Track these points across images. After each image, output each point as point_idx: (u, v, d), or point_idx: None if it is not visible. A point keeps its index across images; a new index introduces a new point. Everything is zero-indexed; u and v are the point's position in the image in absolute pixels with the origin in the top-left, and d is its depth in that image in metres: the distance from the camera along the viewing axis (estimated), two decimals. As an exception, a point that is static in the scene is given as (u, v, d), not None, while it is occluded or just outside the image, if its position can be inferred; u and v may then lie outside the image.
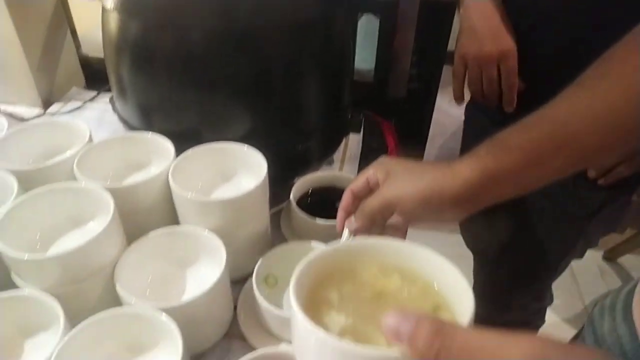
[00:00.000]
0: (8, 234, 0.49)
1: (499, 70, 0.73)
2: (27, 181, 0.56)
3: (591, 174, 0.73)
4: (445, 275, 0.36)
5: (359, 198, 0.51)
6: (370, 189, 0.51)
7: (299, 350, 0.34)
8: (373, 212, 0.49)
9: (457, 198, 0.45)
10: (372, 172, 0.50)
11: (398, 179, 0.48)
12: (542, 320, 1.09)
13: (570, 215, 0.80)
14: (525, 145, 0.43)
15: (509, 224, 0.91)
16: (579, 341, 0.62)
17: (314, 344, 0.31)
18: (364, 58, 1.02)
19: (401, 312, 0.27)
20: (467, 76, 0.76)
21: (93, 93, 0.98)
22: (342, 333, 0.34)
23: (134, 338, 0.49)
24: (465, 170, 0.44)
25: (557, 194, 0.78)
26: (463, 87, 0.79)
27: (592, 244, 0.89)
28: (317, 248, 0.60)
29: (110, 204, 0.52)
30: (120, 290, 0.50)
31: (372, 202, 0.49)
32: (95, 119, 0.91)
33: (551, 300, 1.03)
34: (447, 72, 0.90)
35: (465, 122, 1.00)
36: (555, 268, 0.91)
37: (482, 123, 0.90)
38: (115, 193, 0.53)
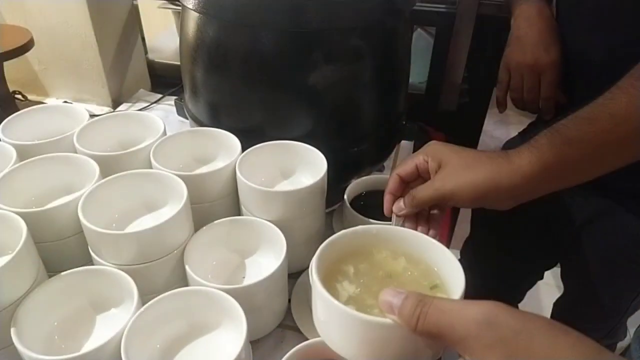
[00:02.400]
0: (89, 213, 0.53)
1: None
2: (106, 167, 0.61)
3: None
4: (444, 261, 0.41)
5: (405, 182, 0.52)
6: (418, 175, 0.51)
7: (314, 311, 0.40)
8: (425, 202, 0.49)
9: (515, 192, 0.45)
10: (423, 158, 0.50)
11: (453, 172, 0.47)
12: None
13: (638, 262, 0.78)
14: (588, 138, 0.43)
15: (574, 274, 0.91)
16: (626, 357, 0.60)
17: (322, 306, 0.38)
18: (416, 72, 1.04)
19: (394, 289, 0.33)
20: (510, 84, 0.78)
21: (159, 95, 1.04)
22: (349, 301, 0.40)
23: (200, 317, 0.51)
24: (525, 164, 0.44)
25: (625, 245, 0.75)
26: (506, 94, 0.80)
27: None
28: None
29: (183, 190, 0.55)
30: (189, 270, 0.53)
31: (425, 193, 0.49)
32: (161, 119, 0.96)
33: (624, 335, 1.00)
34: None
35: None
36: (626, 308, 0.88)
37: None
38: (187, 181, 0.57)
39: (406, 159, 0.52)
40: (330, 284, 0.41)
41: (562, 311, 0.99)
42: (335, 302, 0.36)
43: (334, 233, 0.72)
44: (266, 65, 0.62)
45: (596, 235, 0.78)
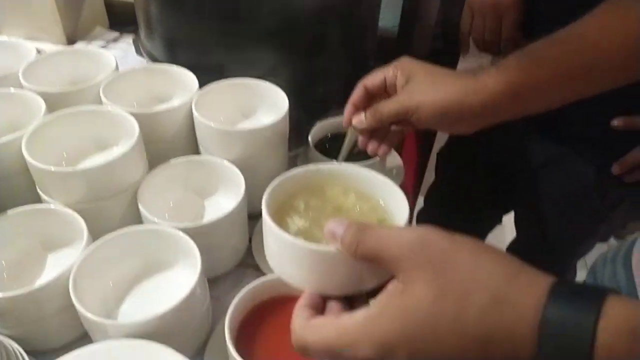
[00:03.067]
0: (36, 150, 0.51)
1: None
2: (55, 104, 0.57)
3: (615, 170, 0.72)
4: (391, 195, 0.42)
5: (370, 94, 0.50)
6: (385, 89, 0.49)
7: (265, 245, 0.41)
8: (388, 117, 0.48)
9: (478, 111, 0.44)
10: (392, 72, 0.48)
11: (419, 86, 0.46)
12: None
13: (591, 208, 0.80)
14: (556, 58, 0.42)
15: (526, 219, 0.93)
16: None
17: (272, 239, 0.39)
18: (389, 16, 1.00)
19: (339, 220, 0.33)
20: (472, 25, 0.77)
21: (116, 33, 0.99)
22: (298, 233, 0.40)
23: (154, 256, 0.51)
24: (491, 82, 0.43)
25: (577, 192, 0.78)
26: (469, 36, 0.79)
27: (615, 229, 0.88)
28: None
29: (135, 127, 0.53)
30: (142, 209, 0.51)
31: (389, 106, 0.47)
32: (118, 58, 0.92)
33: (574, 277, 1.04)
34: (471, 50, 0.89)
35: None
36: (575, 250, 0.91)
37: None
38: (140, 119, 0.54)
39: (375, 70, 0.50)
40: (281, 218, 0.41)
41: (514, 255, 1.02)
42: (284, 234, 0.36)
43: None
44: (224, -3, 0.59)
45: (549, 181, 0.80)
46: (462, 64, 1.08)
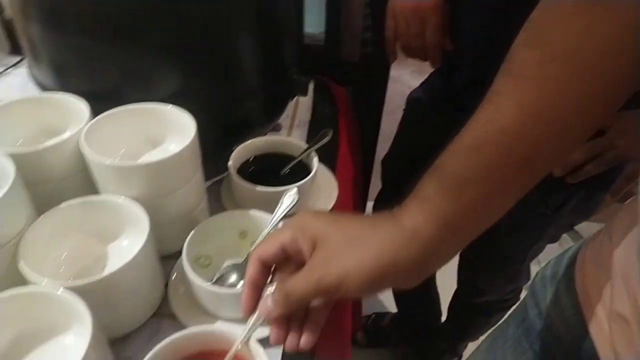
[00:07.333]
0: None
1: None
2: None
3: (556, 172, 0.70)
4: None
5: (268, 268, 0.41)
6: (286, 258, 0.40)
7: None
8: (302, 300, 0.37)
9: (417, 265, 0.35)
10: (290, 236, 0.38)
11: (334, 253, 0.36)
12: (518, 298, 1.09)
13: (536, 211, 0.78)
14: (483, 172, 0.34)
15: None
16: (522, 313, 0.58)
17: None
18: (314, 22, 0.96)
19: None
20: (396, 31, 0.75)
21: (17, 58, 0.89)
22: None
23: (41, 322, 0.43)
24: (420, 226, 0.34)
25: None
26: (395, 43, 0.77)
27: (564, 230, 0.87)
28: (257, 217, 0.55)
29: (10, 169, 0.45)
30: (23, 268, 0.44)
31: (302, 289, 0.37)
32: (19, 85, 0.83)
33: (527, 279, 1.03)
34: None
35: (407, 105, 0.99)
36: (526, 254, 0.89)
37: (423, 107, 0.89)
38: (19, 159, 0.47)
39: (269, 236, 0.42)
40: None
41: (467, 261, 1.00)
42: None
43: (222, 207, 0.66)
44: (110, 15, 0.51)
45: None
46: (393, 71, 1.05)
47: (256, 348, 0.41)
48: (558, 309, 0.50)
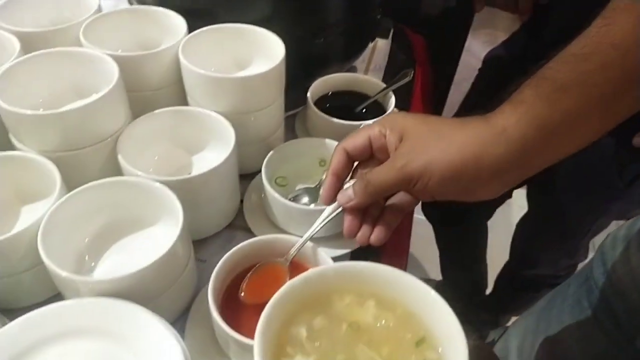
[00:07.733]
0: (8, 94, 0.46)
1: None
2: (30, 45, 0.52)
3: (636, 142, 0.67)
4: (429, 305, 0.31)
5: (353, 161, 0.40)
6: (371, 153, 0.40)
7: None
8: (384, 189, 0.37)
9: (501, 166, 0.34)
10: (379, 130, 0.38)
11: (419, 144, 0.36)
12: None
13: (608, 182, 0.75)
14: (586, 79, 0.32)
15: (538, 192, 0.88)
16: (586, 273, 0.57)
17: None
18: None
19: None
20: None
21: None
22: None
23: (134, 211, 0.47)
24: (511, 126, 0.33)
25: (594, 164, 0.73)
26: None
27: (633, 207, 0.84)
28: (333, 146, 0.57)
29: (114, 71, 0.48)
30: (121, 160, 0.47)
31: (384, 176, 0.37)
32: (110, 7, 0.86)
33: (585, 257, 1.00)
34: (486, 10, 0.83)
35: (484, 64, 0.95)
36: (589, 228, 0.86)
37: (503, 66, 0.86)
38: (121, 62, 0.50)
39: (357, 130, 0.40)
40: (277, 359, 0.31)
41: (525, 230, 0.98)
42: None
43: (296, 137, 0.68)
44: None
45: None
46: (476, 37, 1.02)
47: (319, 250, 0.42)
48: (627, 267, 0.49)
